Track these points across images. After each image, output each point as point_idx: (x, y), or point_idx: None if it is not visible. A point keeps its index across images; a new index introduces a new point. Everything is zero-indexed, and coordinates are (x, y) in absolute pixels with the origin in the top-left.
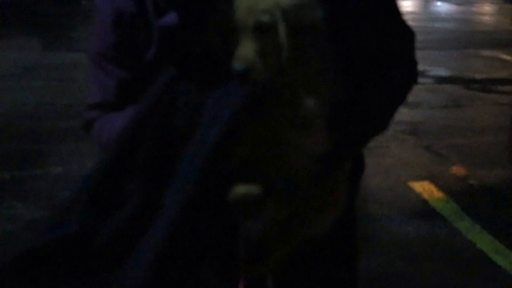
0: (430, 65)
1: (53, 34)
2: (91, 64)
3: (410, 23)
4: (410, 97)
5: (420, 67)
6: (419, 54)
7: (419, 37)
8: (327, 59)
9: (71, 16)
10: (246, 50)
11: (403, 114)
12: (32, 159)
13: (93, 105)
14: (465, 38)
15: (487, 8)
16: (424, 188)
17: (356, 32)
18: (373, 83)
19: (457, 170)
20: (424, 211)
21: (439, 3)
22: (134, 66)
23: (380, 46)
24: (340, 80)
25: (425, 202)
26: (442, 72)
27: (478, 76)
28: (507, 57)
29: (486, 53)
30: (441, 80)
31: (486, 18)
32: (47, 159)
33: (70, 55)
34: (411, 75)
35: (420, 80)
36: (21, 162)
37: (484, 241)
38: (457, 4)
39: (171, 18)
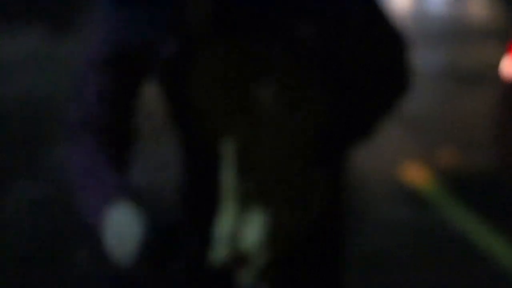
0: (422, 56)
1: (58, 20)
2: (87, 70)
3: (402, 16)
4: None
5: (412, 56)
6: (411, 44)
7: (410, 30)
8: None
9: (74, 4)
10: None
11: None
12: (40, 142)
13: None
14: (456, 30)
15: (480, 1)
16: (415, 173)
17: (345, 43)
18: (360, 94)
19: (448, 156)
20: (415, 195)
21: None
22: (133, 79)
23: (369, 56)
24: (325, 92)
25: (416, 186)
26: (434, 63)
27: (470, 67)
28: (499, 49)
29: (478, 45)
30: (433, 70)
31: (479, 11)
32: (54, 142)
33: (75, 41)
34: (401, 85)
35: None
36: (29, 145)
37: (473, 225)
38: None
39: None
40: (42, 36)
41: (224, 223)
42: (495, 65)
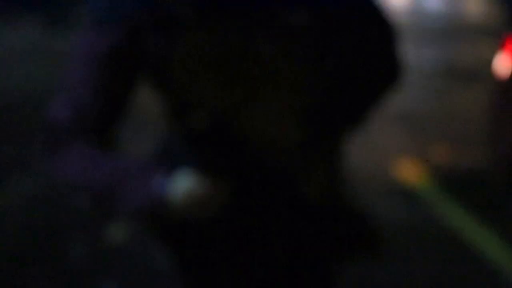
0: (418, 52)
1: (55, 13)
2: (79, 59)
3: (399, 10)
4: None
5: (410, 53)
6: (409, 40)
7: (407, 26)
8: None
9: None
10: None
11: (390, 96)
12: (36, 137)
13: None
14: (453, 27)
15: None
16: (409, 169)
17: (336, 32)
18: (350, 82)
19: (442, 152)
20: (408, 191)
21: None
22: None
23: (359, 44)
24: (316, 79)
25: (409, 182)
26: (430, 59)
27: (466, 63)
28: (495, 46)
29: (475, 42)
30: (428, 67)
31: (476, 8)
32: None
33: (73, 34)
34: (391, 73)
35: (409, 65)
36: (26, 140)
37: (466, 221)
38: None
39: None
40: (41, 30)
41: None
42: (490, 62)
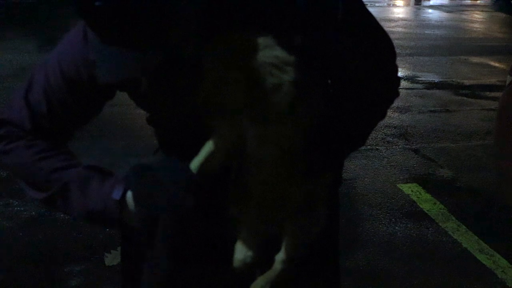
0: (420, 70)
1: (48, 35)
2: (47, 70)
3: (401, 29)
4: (400, 102)
5: (410, 72)
6: (409, 60)
7: (409, 43)
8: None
9: (65, 18)
10: None
11: (393, 118)
12: None
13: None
14: (455, 44)
15: (477, 15)
16: (412, 190)
17: (337, 52)
18: (353, 100)
19: (445, 173)
20: (412, 212)
21: (430, 10)
22: (90, 102)
23: (360, 61)
24: (322, 99)
25: (413, 203)
26: (431, 77)
27: (466, 82)
28: (496, 64)
29: (475, 59)
30: (430, 85)
31: (476, 25)
32: None
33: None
34: (391, 89)
35: (410, 85)
36: None
37: (469, 241)
38: (447, 11)
39: None
40: (35, 50)
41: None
42: (496, 79)
